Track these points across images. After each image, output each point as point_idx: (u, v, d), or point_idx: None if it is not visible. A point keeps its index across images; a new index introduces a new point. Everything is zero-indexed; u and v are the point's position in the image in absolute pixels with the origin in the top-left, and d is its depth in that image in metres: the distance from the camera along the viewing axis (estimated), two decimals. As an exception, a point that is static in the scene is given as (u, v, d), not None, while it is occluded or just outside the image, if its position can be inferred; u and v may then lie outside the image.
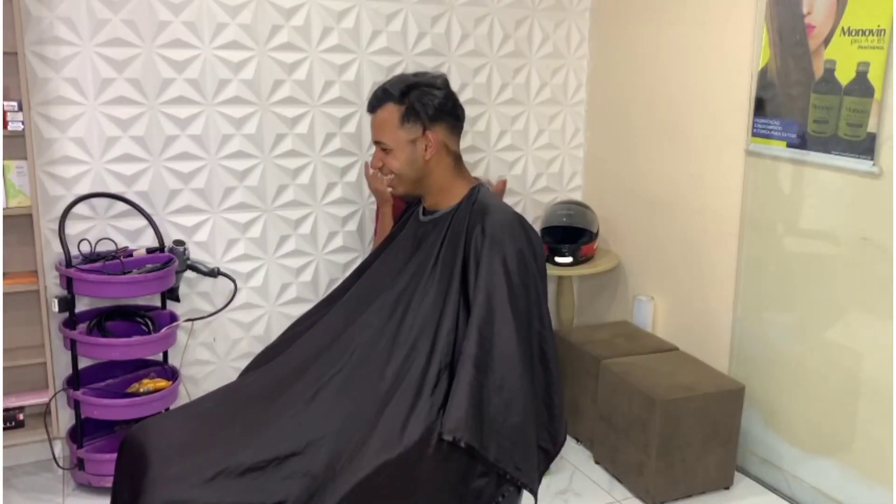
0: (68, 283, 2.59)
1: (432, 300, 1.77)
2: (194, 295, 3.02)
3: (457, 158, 1.92)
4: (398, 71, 3.17)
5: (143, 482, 1.60)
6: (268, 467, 1.60)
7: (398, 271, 1.88)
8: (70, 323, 2.64)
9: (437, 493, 1.63)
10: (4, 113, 2.49)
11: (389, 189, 1.95)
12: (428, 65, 3.17)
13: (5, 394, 2.67)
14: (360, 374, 1.73)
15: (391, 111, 1.85)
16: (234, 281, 2.99)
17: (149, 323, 2.79)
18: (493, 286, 1.71)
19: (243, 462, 1.60)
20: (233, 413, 1.76)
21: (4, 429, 2.68)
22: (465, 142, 2.43)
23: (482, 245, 1.75)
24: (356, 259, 3.25)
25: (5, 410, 2.68)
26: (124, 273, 2.60)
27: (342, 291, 2.02)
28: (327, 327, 1.91)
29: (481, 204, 1.84)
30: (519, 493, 1.79)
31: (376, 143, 1.89)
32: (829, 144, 2.49)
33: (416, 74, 1.91)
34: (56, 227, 2.71)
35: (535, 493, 1.73)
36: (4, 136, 2.53)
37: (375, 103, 1.88)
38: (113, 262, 2.65)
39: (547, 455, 1.82)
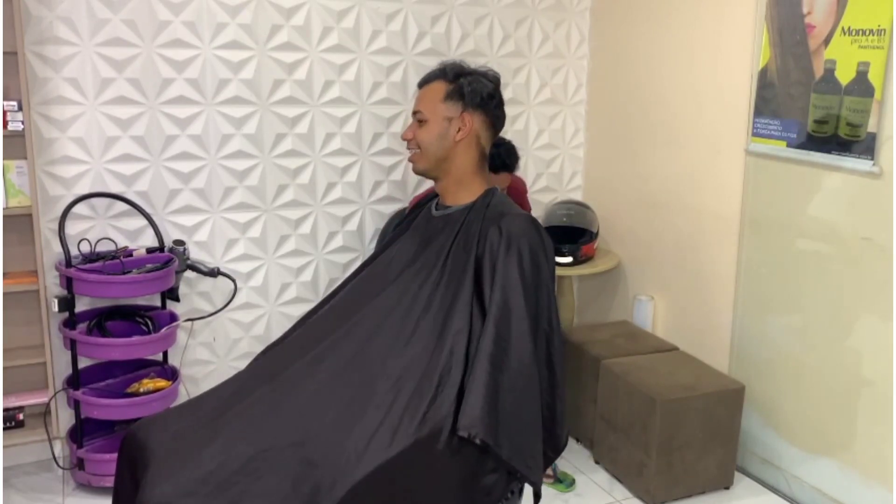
0: (68, 283, 2.59)
1: (442, 295, 1.77)
2: (194, 295, 3.02)
3: (482, 156, 1.93)
4: (398, 71, 3.18)
5: (143, 479, 1.60)
6: (268, 457, 1.60)
7: (407, 265, 1.88)
8: (70, 323, 2.63)
9: (447, 488, 1.63)
10: (4, 113, 2.49)
11: (412, 162, 1.96)
12: (428, 65, 3.16)
13: (5, 394, 2.67)
14: (366, 366, 1.73)
15: (439, 86, 1.88)
16: (234, 281, 2.99)
17: (149, 323, 2.79)
18: (510, 285, 1.72)
19: (243, 453, 1.60)
20: (232, 404, 1.75)
21: (4, 429, 2.68)
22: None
23: (499, 244, 1.75)
24: (356, 259, 3.25)
25: (5, 410, 2.68)
26: (124, 273, 2.60)
27: (350, 282, 2.02)
28: (333, 319, 1.90)
29: (497, 205, 1.85)
30: (521, 492, 1.80)
31: (415, 113, 1.92)
32: (829, 144, 2.49)
33: (472, 66, 1.95)
34: (56, 226, 2.71)
35: (539, 493, 1.74)
36: (4, 136, 2.53)
37: (428, 79, 1.92)
38: (113, 262, 2.65)
39: (547, 459, 1.82)
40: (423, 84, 1.93)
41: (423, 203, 2.05)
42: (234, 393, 1.79)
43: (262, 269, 3.12)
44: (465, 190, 1.90)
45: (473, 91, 1.86)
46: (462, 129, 1.86)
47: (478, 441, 1.60)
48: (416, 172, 1.97)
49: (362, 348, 1.77)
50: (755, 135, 2.75)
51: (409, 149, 1.94)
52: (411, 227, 2.00)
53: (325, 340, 1.82)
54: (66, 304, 2.62)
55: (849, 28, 2.39)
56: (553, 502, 2.70)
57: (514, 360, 1.68)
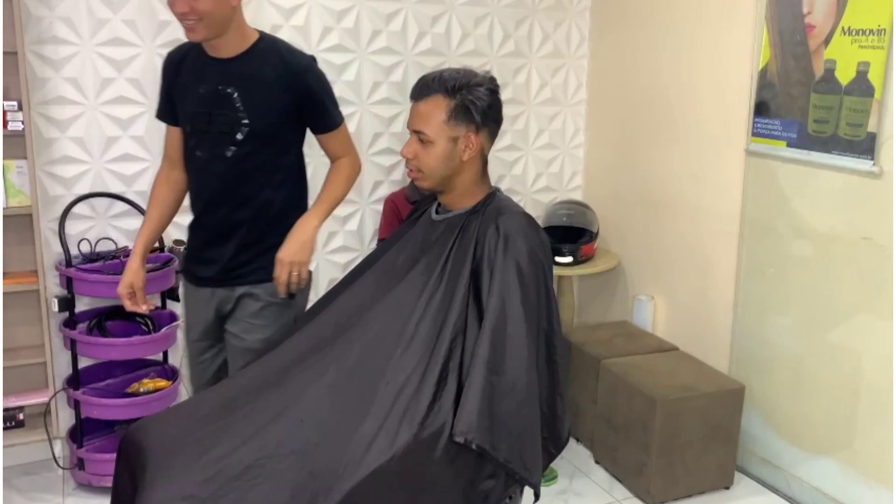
0: (68, 282, 2.59)
1: (440, 301, 1.76)
2: (194, 295, 3.01)
3: (485, 163, 1.90)
4: (398, 71, 3.17)
5: (142, 481, 1.59)
6: (267, 465, 1.59)
7: (407, 269, 1.87)
8: (70, 323, 2.63)
9: (445, 494, 1.63)
10: (4, 113, 2.49)
11: (414, 180, 1.89)
12: (428, 65, 3.17)
13: (5, 394, 2.67)
14: (364, 372, 1.73)
15: (439, 103, 1.78)
16: (234, 281, 2.98)
17: (149, 323, 2.79)
18: (507, 289, 1.71)
19: (242, 460, 1.59)
20: (232, 409, 1.75)
21: (4, 429, 2.68)
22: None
23: (496, 246, 1.74)
24: (356, 259, 3.24)
25: (5, 410, 2.68)
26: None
27: (347, 285, 2.01)
28: (331, 321, 1.89)
29: (495, 206, 1.84)
30: (522, 492, 1.80)
31: (415, 132, 1.82)
32: (829, 144, 2.49)
33: (467, 71, 1.83)
34: (56, 226, 2.71)
35: (538, 494, 1.74)
36: (4, 136, 2.53)
37: (424, 91, 1.80)
38: (113, 261, 2.65)
39: (549, 455, 1.82)
40: (419, 97, 1.81)
41: (423, 205, 2.04)
42: (236, 397, 1.78)
43: (262, 269, 3.11)
44: (467, 197, 1.88)
45: (476, 107, 1.78)
46: (469, 148, 1.81)
47: (474, 446, 1.60)
48: (421, 189, 1.94)
49: (363, 356, 1.75)
50: (755, 134, 2.75)
51: (409, 167, 1.88)
52: (410, 232, 1.99)
53: (325, 348, 1.81)
54: (66, 303, 2.62)
55: (849, 28, 2.39)
56: (553, 502, 2.70)
57: (510, 364, 1.67)
